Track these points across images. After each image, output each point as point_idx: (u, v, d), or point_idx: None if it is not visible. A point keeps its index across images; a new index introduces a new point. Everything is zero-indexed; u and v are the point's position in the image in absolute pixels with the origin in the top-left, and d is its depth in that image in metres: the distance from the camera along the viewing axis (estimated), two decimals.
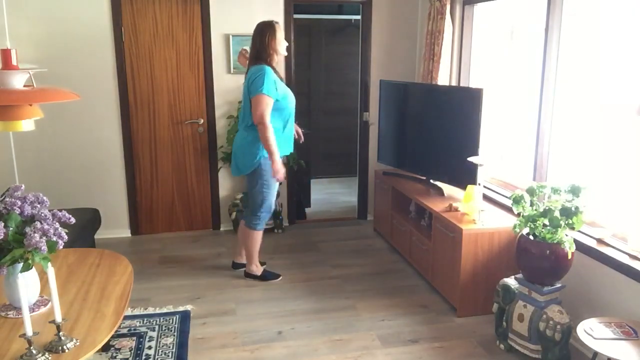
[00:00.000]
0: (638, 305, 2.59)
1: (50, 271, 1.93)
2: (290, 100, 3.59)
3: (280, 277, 3.88)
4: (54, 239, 2.05)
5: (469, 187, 3.50)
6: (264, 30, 3.54)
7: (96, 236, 4.05)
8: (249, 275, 3.89)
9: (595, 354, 2.39)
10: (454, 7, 4.17)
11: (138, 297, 3.53)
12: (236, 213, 4.76)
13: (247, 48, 4.66)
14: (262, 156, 3.53)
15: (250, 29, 4.59)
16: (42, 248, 1.98)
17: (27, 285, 2.12)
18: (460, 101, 3.77)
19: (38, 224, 2.04)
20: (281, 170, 3.52)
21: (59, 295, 2.10)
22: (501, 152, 3.95)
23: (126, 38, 4.45)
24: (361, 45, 4.94)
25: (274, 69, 3.52)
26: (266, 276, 3.87)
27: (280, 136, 3.56)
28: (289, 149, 3.72)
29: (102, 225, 4.13)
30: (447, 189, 3.95)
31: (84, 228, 3.65)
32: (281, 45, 3.56)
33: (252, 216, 3.74)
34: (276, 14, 4.64)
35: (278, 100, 3.47)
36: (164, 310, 3.40)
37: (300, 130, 4.00)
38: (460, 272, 3.25)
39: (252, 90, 3.45)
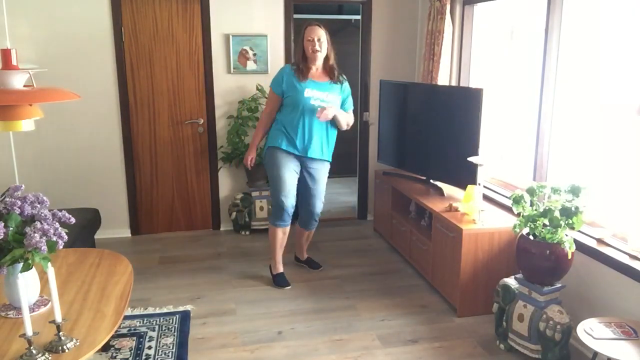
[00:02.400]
0: (638, 305, 2.59)
1: (50, 271, 1.93)
2: (293, 100, 3.61)
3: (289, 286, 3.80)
4: (54, 239, 2.05)
5: (469, 187, 3.50)
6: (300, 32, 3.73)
7: (96, 236, 4.05)
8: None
9: (595, 354, 2.39)
10: (454, 7, 4.17)
11: (138, 297, 3.53)
12: (236, 213, 4.76)
13: (247, 48, 4.70)
14: (266, 146, 3.74)
15: (250, 29, 4.63)
16: (42, 248, 1.98)
17: (27, 285, 2.12)
18: (460, 101, 3.77)
19: (38, 224, 2.04)
20: (245, 155, 3.85)
21: (59, 295, 2.10)
22: (501, 152, 3.95)
23: (126, 38, 4.45)
24: (361, 45, 4.94)
25: (299, 66, 3.64)
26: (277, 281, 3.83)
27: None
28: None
29: (102, 225, 4.13)
30: (447, 189, 3.95)
31: (84, 228, 3.64)
32: (307, 46, 3.63)
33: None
34: (276, 13, 4.65)
35: (284, 97, 3.66)
36: (164, 310, 3.40)
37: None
38: (460, 272, 3.25)
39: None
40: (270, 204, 4.73)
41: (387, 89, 4.54)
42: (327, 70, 3.67)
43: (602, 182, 2.96)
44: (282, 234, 3.78)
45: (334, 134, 3.76)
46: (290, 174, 3.64)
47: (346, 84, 3.76)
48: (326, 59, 3.66)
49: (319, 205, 3.81)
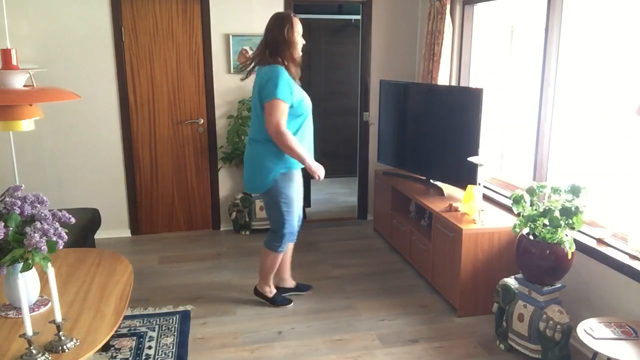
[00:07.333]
0: (638, 305, 2.59)
1: (50, 271, 1.93)
2: (306, 105, 3.16)
3: (292, 303, 3.51)
4: (54, 239, 2.05)
5: (469, 187, 3.50)
6: (282, 22, 3.06)
7: (96, 236, 4.04)
8: (259, 295, 3.50)
9: (595, 354, 2.39)
10: (454, 7, 4.17)
11: (138, 297, 3.53)
12: (236, 213, 4.76)
13: (247, 48, 4.65)
14: (278, 172, 3.13)
15: (250, 29, 4.62)
16: (42, 248, 1.98)
17: (27, 285, 2.12)
18: (460, 101, 3.77)
19: (38, 224, 2.04)
20: (317, 170, 3.17)
21: (59, 295, 2.10)
22: (501, 152, 3.95)
23: (126, 38, 4.45)
24: (361, 45, 4.94)
25: (289, 69, 3.08)
26: (276, 300, 3.48)
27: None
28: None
29: (102, 225, 4.12)
30: (447, 189, 3.95)
31: (84, 228, 3.64)
32: (299, 42, 3.13)
33: (273, 236, 3.32)
34: None
35: (292, 107, 3.06)
36: (164, 310, 3.40)
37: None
38: (460, 272, 3.25)
39: (264, 96, 2.99)
40: None
41: (387, 89, 4.54)
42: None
43: (602, 182, 2.96)
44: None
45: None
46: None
47: None
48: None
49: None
